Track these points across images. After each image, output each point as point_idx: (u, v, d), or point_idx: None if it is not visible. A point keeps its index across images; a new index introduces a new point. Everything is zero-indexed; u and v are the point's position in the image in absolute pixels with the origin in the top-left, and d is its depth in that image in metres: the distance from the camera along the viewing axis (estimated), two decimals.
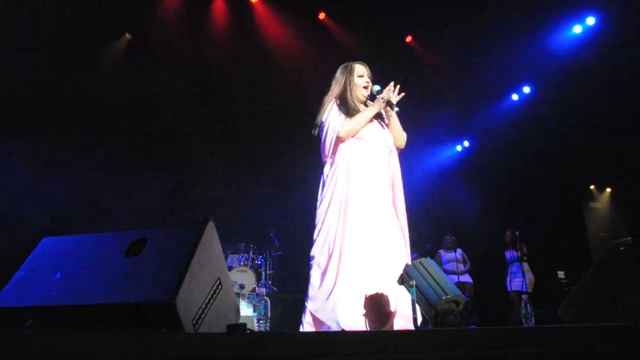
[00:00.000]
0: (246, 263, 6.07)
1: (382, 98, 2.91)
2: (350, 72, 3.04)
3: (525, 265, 7.09)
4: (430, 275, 1.95)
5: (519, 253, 7.10)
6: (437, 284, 1.90)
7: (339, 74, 3.07)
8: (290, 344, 1.40)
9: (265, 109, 7.42)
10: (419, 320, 2.19)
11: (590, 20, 6.76)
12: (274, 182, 7.30)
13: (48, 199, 5.63)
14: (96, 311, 1.59)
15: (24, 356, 1.10)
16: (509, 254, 7.32)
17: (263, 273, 6.21)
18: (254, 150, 7.57)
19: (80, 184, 6.04)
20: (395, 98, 2.93)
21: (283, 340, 1.42)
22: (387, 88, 2.93)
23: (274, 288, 6.23)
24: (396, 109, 2.93)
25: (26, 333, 1.18)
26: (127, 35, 6.79)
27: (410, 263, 2.15)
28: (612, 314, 2.06)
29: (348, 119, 2.84)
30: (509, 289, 7.20)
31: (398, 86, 2.94)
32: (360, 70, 3.04)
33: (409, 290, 1.99)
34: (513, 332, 1.65)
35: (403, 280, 2.05)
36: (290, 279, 6.58)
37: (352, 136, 2.83)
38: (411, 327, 2.27)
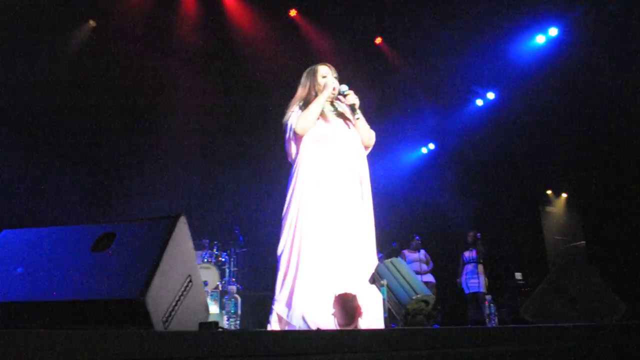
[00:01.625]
0: (210, 260, 5.99)
1: (331, 85, 2.91)
2: (313, 74, 3.03)
3: (481, 267, 7.31)
4: (401, 275, 1.98)
5: (479, 255, 7.31)
6: (408, 283, 1.93)
7: (303, 79, 3.06)
8: (264, 343, 1.40)
9: (230, 103, 7.34)
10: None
11: (553, 31, 7.04)
12: (240, 178, 7.24)
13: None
14: (61, 308, 1.53)
15: None
16: (467, 254, 7.50)
17: (227, 270, 6.14)
18: (218, 144, 7.48)
19: (37, 177, 5.81)
20: (354, 99, 2.93)
21: (256, 339, 1.41)
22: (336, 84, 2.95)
23: (238, 285, 6.18)
24: (358, 116, 2.92)
25: None
26: (91, 22, 6.53)
27: (380, 263, 2.18)
28: (571, 314, 2.15)
29: (300, 114, 2.84)
30: (466, 290, 7.39)
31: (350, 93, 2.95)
32: (324, 71, 3.03)
33: (379, 290, 2.02)
34: (480, 331, 1.71)
35: (374, 279, 2.07)
36: (255, 276, 6.54)
37: (309, 129, 2.81)
38: (379, 325, 2.30)
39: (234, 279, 6.13)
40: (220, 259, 6.14)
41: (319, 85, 2.98)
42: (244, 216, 6.92)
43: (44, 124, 6.08)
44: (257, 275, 6.44)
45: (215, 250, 6.17)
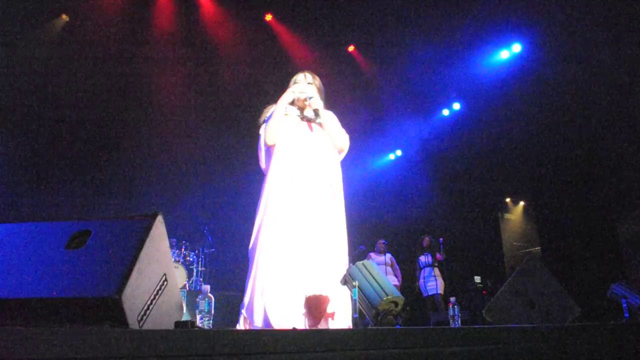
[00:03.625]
0: (177, 259, 5.90)
1: (292, 90, 2.96)
2: (292, 80, 3.10)
3: (437, 271, 7.51)
4: (372, 276, 2.04)
5: (433, 258, 7.50)
6: (379, 285, 2.00)
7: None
8: (240, 341, 1.42)
9: (203, 104, 7.29)
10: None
11: (516, 47, 7.36)
12: (210, 177, 7.19)
13: None
14: (35, 306, 1.50)
15: None
16: (423, 259, 7.67)
17: (195, 270, 6.08)
18: (189, 143, 7.41)
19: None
20: (316, 104, 2.95)
21: (232, 338, 1.43)
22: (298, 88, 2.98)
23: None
24: (320, 120, 2.92)
25: None
26: (64, 17, 6.29)
27: (352, 264, 2.24)
28: (529, 316, 2.28)
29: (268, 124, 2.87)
30: (424, 293, 7.55)
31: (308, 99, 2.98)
32: (298, 78, 3.07)
33: (351, 290, 2.08)
34: (447, 331, 1.79)
35: (346, 280, 2.13)
36: (222, 277, 6.49)
37: (276, 138, 2.84)
38: (349, 325, 2.36)
39: (201, 279, 6.08)
40: (188, 258, 6.06)
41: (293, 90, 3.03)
42: (214, 216, 6.87)
43: (16, 119, 5.88)
44: (225, 275, 6.39)
45: (183, 249, 6.09)
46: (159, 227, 1.78)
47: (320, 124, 2.97)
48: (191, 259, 6.13)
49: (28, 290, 1.54)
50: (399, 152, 9.60)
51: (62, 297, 1.51)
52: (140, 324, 1.59)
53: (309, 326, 2.48)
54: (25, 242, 1.70)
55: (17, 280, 1.57)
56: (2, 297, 1.52)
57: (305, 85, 3.03)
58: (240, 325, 2.68)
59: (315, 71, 3.21)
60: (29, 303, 1.52)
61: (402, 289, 7.66)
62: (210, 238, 6.49)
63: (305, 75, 3.08)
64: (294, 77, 3.09)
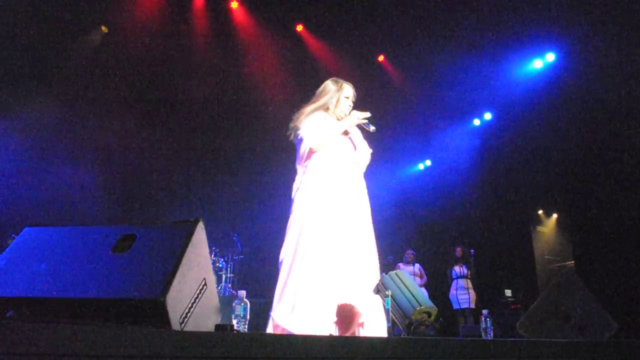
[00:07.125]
0: None
1: (357, 116, 3.00)
2: (339, 88, 3.10)
3: (469, 283, 7.38)
4: (406, 286, 2.06)
5: (469, 271, 7.37)
6: (412, 295, 2.01)
7: (327, 87, 3.11)
8: (278, 346, 1.45)
9: (230, 112, 7.41)
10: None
11: (550, 57, 7.23)
12: (240, 185, 7.29)
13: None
14: (83, 305, 1.58)
15: (5, 345, 1.08)
16: (458, 269, 7.55)
17: (224, 276, 6.18)
18: (220, 152, 7.53)
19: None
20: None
21: (270, 342, 1.46)
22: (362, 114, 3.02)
23: (234, 291, 6.21)
24: (373, 128, 3.00)
25: (8, 322, 1.16)
26: (104, 28, 6.53)
27: (385, 274, 2.26)
28: (564, 330, 2.24)
29: (320, 131, 2.90)
30: (455, 306, 7.42)
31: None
32: (348, 92, 3.10)
33: (384, 300, 2.09)
34: (481, 344, 1.78)
35: (379, 289, 2.15)
36: (250, 283, 6.57)
37: (323, 147, 2.89)
38: (382, 334, 2.37)
39: (230, 285, 6.18)
40: (217, 264, 6.17)
41: (340, 103, 3.09)
42: (243, 223, 6.96)
43: (57, 127, 6.13)
44: (253, 282, 6.46)
45: (213, 255, 6.20)
46: (200, 233, 1.85)
47: (351, 139, 3.05)
48: (220, 265, 6.23)
49: (77, 290, 1.62)
50: (428, 162, 9.53)
51: (109, 298, 1.58)
52: (182, 326, 1.64)
53: (339, 334, 2.50)
54: (74, 245, 1.78)
55: (67, 281, 1.65)
56: (53, 296, 1.61)
57: (353, 100, 3.11)
58: (269, 330, 2.72)
59: (344, 80, 3.26)
60: (77, 303, 1.59)
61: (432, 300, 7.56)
62: (239, 245, 6.58)
63: (353, 89, 3.14)
64: (342, 88, 3.11)
